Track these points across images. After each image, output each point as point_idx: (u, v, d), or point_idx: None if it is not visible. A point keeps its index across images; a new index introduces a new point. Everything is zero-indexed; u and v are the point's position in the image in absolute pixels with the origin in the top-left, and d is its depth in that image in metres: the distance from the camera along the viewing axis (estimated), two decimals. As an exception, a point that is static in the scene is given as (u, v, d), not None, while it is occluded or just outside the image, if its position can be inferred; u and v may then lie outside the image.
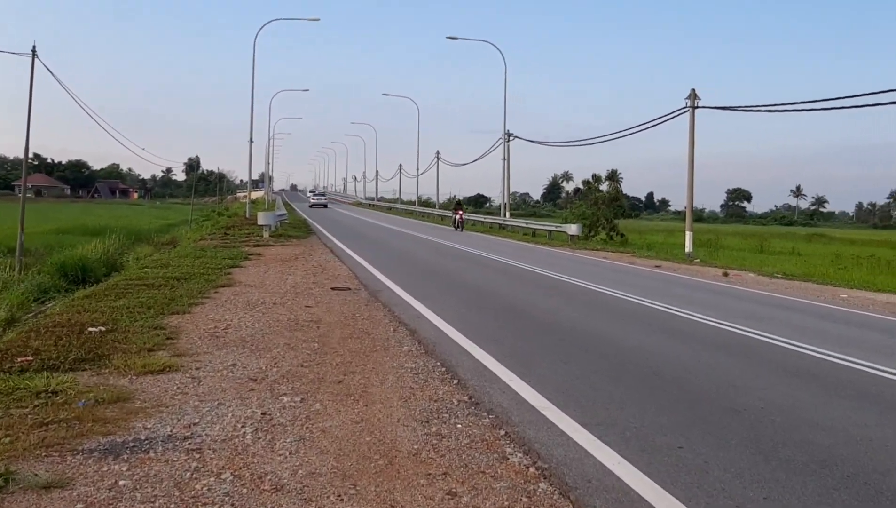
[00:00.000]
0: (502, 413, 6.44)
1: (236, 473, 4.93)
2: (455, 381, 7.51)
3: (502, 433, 5.94)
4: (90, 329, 9.34)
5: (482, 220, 53.21)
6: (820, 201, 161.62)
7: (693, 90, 30.80)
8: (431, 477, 4.98)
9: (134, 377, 7.22)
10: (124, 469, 4.94)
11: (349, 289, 14.45)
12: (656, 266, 23.68)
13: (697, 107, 30.93)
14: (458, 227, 44.48)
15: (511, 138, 50.79)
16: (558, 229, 37.30)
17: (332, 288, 14.49)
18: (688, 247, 30.28)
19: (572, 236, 34.65)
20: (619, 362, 8.66)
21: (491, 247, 29.38)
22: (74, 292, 14.81)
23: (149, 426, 5.79)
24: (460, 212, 45.75)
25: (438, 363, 8.25)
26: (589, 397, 7.01)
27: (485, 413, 6.44)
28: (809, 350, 9.64)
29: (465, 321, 10.97)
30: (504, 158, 50.66)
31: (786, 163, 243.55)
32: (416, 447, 5.55)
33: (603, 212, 40.27)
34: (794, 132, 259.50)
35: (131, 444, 5.38)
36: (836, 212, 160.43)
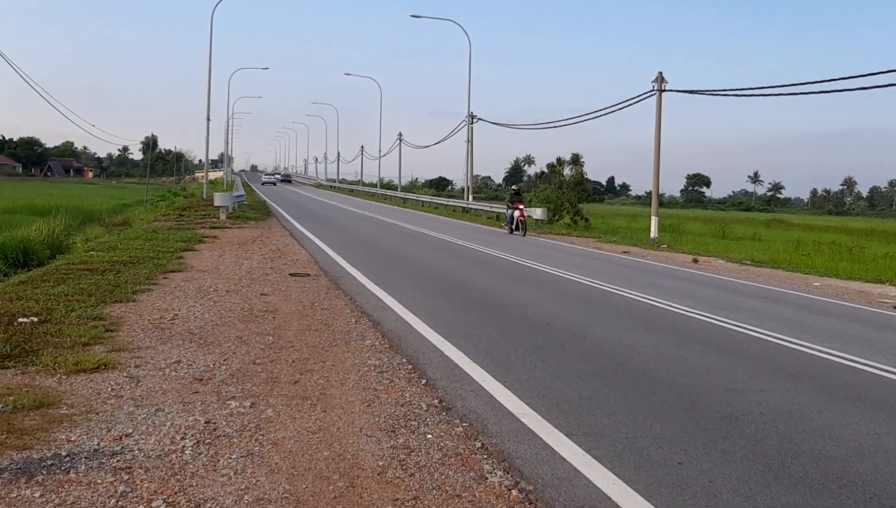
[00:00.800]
0: (477, 421, 5.74)
1: (170, 500, 4.18)
2: (423, 381, 6.80)
3: (478, 444, 5.25)
4: (21, 320, 8.47)
5: (446, 203, 52.50)
6: (776, 188, 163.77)
7: (660, 73, 30.38)
8: (400, 503, 4.28)
9: (63, 377, 6.41)
10: (37, 494, 4.17)
11: (308, 275, 13.67)
12: (624, 252, 23.20)
13: (665, 90, 30.55)
14: (516, 228, 29.25)
15: (475, 120, 50.07)
16: (523, 212, 36.66)
17: (291, 274, 13.69)
18: (653, 232, 29.95)
19: (537, 220, 34.07)
20: (603, 360, 7.95)
21: (455, 231, 28.69)
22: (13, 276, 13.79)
23: (73, 439, 5.01)
24: (521, 206, 29.80)
25: (405, 360, 7.53)
26: (573, 401, 6.32)
27: (457, 421, 5.74)
28: (800, 346, 9.08)
29: (432, 313, 10.27)
30: (468, 141, 49.95)
31: (743, 149, 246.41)
32: (381, 463, 4.85)
33: (567, 196, 39.81)
34: (752, 119, 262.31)
35: (49, 462, 4.61)
36: (792, 198, 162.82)
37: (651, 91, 30.60)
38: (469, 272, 15.76)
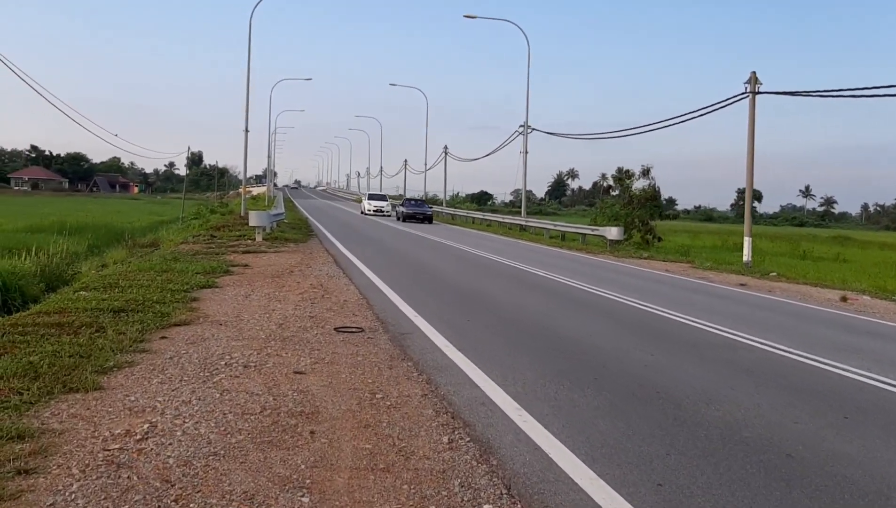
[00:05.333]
0: None
1: None
2: None
3: None
4: None
5: (500, 220, 48.55)
6: (829, 202, 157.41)
7: (753, 73, 26.53)
8: None
9: None
10: None
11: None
12: (741, 284, 19.03)
13: (758, 92, 26.59)
14: None
15: (530, 130, 46.28)
16: (594, 232, 32.57)
17: (337, 328, 9.97)
18: (746, 255, 25.87)
19: (612, 240, 30.02)
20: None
21: (524, 255, 24.86)
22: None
23: None
24: None
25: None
26: None
27: None
28: None
29: (568, 417, 6.34)
30: (523, 151, 46.17)
31: (791, 162, 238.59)
32: None
33: (638, 212, 35.69)
34: (801, 131, 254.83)
35: None
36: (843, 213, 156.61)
37: (744, 93, 26.67)
38: (579, 325, 11.62)
